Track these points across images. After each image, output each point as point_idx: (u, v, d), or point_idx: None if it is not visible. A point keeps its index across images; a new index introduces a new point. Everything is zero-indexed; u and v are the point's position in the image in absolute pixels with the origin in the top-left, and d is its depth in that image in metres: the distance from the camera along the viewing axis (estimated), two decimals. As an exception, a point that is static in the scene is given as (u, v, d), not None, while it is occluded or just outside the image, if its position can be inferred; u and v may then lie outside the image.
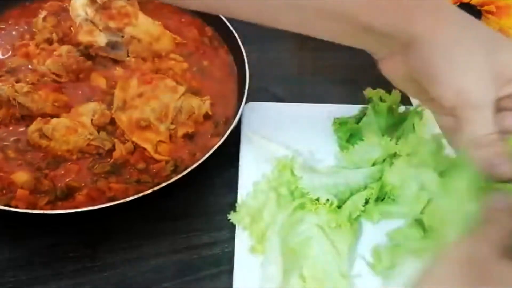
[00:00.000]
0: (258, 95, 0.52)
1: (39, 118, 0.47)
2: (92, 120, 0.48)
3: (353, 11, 0.33)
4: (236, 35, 0.53)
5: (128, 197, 0.41)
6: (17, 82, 0.49)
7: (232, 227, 0.43)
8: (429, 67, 0.33)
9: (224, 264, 0.41)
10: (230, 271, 0.40)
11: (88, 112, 0.48)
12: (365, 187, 0.42)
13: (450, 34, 0.33)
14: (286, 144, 0.47)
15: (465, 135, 0.32)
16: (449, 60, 0.33)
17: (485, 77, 0.32)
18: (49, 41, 0.54)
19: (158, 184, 0.42)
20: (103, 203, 0.41)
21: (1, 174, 0.45)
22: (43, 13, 0.56)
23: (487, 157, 0.31)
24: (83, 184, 0.45)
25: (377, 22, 0.33)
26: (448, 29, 0.33)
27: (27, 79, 0.50)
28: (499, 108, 0.32)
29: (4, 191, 0.44)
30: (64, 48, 0.52)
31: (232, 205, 0.44)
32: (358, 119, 0.48)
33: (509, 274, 0.25)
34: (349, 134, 0.48)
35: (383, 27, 0.33)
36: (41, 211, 0.41)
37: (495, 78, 0.32)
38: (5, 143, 0.47)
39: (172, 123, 0.49)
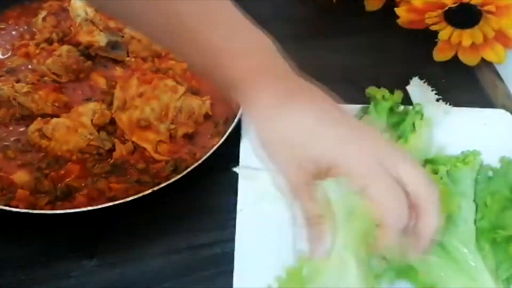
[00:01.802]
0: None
1: (39, 118, 0.47)
2: (92, 120, 0.48)
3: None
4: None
5: (128, 197, 0.41)
6: (17, 82, 0.49)
7: (232, 227, 0.43)
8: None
9: (224, 264, 0.41)
10: (230, 271, 0.40)
11: (88, 112, 0.48)
12: None
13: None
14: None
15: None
16: (270, 145, 0.33)
17: (297, 168, 0.32)
18: (49, 41, 0.54)
19: (158, 184, 0.42)
20: (103, 203, 0.41)
21: (1, 174, 0.45)
22: (43, 13, 0.56)
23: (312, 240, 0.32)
24: (83, 184, 0.45)
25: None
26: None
27: (27, 79, 0.50)
28: None
29: (4, 191, 0.44)
30: (64, 48, 0.52)
31: (232, 205, 0.44)
32: (359, 118, 0.49)
33: None
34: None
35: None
36: (41, 211, 0.41)
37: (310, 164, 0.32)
38: (5, 143, 0.47)
39: (172, 123, 0.49)
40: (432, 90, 0.52)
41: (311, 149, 0.32)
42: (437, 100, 0.51)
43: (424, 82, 0.53)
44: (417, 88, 0.52)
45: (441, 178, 0.40)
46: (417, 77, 0.53)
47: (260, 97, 0.33)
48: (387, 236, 0.31)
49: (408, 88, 0.52)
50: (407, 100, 0.52)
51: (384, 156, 0.31)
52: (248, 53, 0.33)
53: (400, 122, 0.48)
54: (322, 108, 0.33)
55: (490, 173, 0.43)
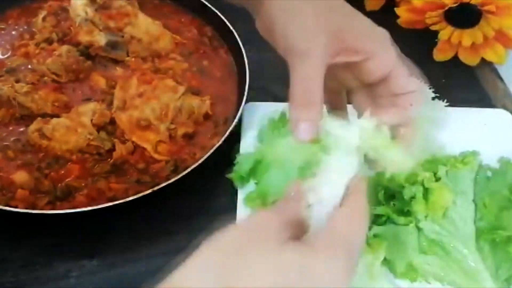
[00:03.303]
0: (258, 95, 0.52)
1: (39, 118, 0.47)
2: (92, 120, 0.47)
3: None
4: (236, 35, 0.53)
5: (128, 197, 0.41)
6: (17, 82, 0.49)
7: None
8: (269, 19, 0.33)
9: (224, 264, 0.41)
10: (230, 271, 0.40)
11: (88, 112, 0.48)
12: None
13: None
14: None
15: (292, 85, 0.32)
16: (283, 11, 0.32)
17: (312, 28, 0.31)
18: (49, 41, 0.53)
19: (158, 184, 0.42)
20: (103, 203, 0.41)
21: (1, 174, 0.45)
22: (43, 13, 0.56)
23: (293, 116, 0.31)
24: (83, 184, 0.45)
25: None
26: None
27: (27, 79, 0.50)
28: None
29: (4, 191, 0.44)
30: (64, 48, 0.52)
31: (232, 205, 0.44)
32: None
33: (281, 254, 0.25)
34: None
35: None
36: (41, 211, 0.41)
37: (326, 34, 0.31)
38: (5, 143, 0.47)
39: (172, 123, 0.49)
40: (430, 89, 0.52)
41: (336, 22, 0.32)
42: (433, 98, 0.51)
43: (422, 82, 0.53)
44: (416, 88, 0.52)
45: (441, 178, 0.40)
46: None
47: None
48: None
49: None
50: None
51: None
52: None
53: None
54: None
55: (489, 173, 0.43)
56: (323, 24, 0.32)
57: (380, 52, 0.33)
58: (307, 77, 0.31)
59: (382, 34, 0.34)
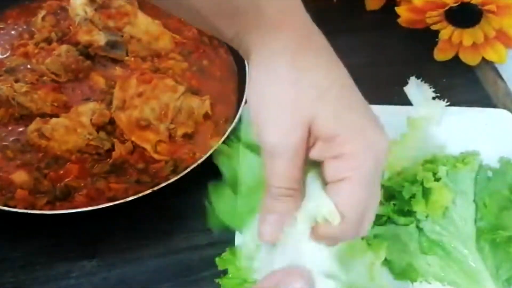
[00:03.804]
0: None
1: (38, 118, 0.47)
2: (91, 120, 0.47)
3: (203, 11, 0.29)
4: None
5: (128, 197, 0.41)
6: (16, 81, 0.49)
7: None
8: (249, 102, 0.30)
9: (224, 264, 0.41)
10: (230, 272, 0.40)
11: (87, 112, 0.48)
12: None
13: (263, 62, 0.28)
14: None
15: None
16: (257, 101, 0.29)
17: (285, 127, 0.28)
18: (48, 41, 0.53)
19: (158, 184, 0.42)
20: (103, 203, 0.41)
21: (0, 174, 0.45)
22: (42, 13, 0.56)
23: (265, 211, 0.29)
24: (82, 184, 0.45)
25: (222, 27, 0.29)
26: (264, 54, 0.28)
27: (26, 79, 0.50)
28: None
29: (3, 191, 0.44)
30: (63, 48, 0.52)
31: (232, 205, 0.44)
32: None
33: None
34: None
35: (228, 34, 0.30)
36: (41, 211, 0.41)
37: (302, 128, 0.28)
38: (4, 143, 0.47)
39: (171, 123, 0.49)
40: (431, 89, 0.52)
41: (314, 110, 0.28)
42: (433, 98, 0.51)
43: (422, 81, 0.53)
44: (415, 88, 0.52)
45: (441, 178, 0.40)
46: (414, 77, 0.53)
47: (276, 38, 0.28)
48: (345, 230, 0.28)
49: (406, 89, 0.52)
50: (405, 100, 0.52)
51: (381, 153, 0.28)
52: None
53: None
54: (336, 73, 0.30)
55: (490, 173, 0.43)
56: (301, 115, 0.28)
57: (352, 157, 0.28)
58: (276, 181, 0.29)
59: (375, 141, 0.28)
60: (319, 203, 0.29)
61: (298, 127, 0.28)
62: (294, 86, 0.28)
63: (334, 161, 0.28)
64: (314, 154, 0.29)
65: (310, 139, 0.29)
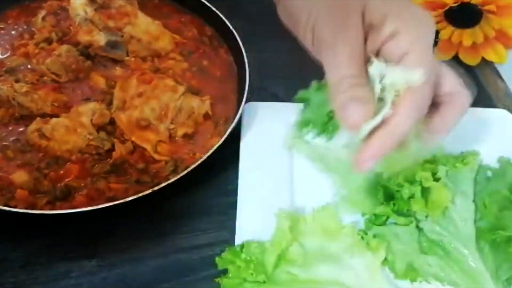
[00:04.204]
0: (258, 95, 0.52)
1: (38, 118, 0.47)
2: (91, 120, 0.47)
3: None
4: (236, 35, 0.53)
5: (128, 197, 0.41)
6: (16, 81, 0.49)
7: (232, 227, 0.43)
8: (291, 8, 0.32)
9: (224, 264, 0.41)
10: (230, 271, 0.40)
11: (88, 112, 0.48)
12: None
13: None
14: (286, 144, 0.47)
15: (326, 80, 0.30)
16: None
17: (338, 16, 0.30)
18: (49, 41, 0.53)
19: (158, 184, 0.42)
20: (103, 203, 0.41)
21: (1, 174, 0.45)
22: (42, 13, 0.56)
23: (340, 101, 0.29)
24: (82, 184, 0.45)
25: None
26: None
27: (26, 79, 0.50)
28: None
29: (3, 191, 0.44)
30: (64, 48, 0.52)
31: (232, 205, 0.44)
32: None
33: None
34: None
35: None
36: (41, 211, 0.41)
37: (355, 19, 0.30)
38: (5, 143, 0.47)
39: (172, 123, 0.49)
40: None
41: None
42: None
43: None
44: None
45: (440, 178, 0.40)
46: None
47: None
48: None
49: None
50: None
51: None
52: None
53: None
54: None
55: (490, 173, 0.43)
56: (350, 7, 0.29)
57: (407, 31, 0.30)
58: (337, 70, 0.30)
59: (421, 16, 0.31)
60: (396, 74, 0.29)
61: (351, 16, 0.30)
62: None
63: (392, 41, 0.30)
64: (370, 45, 0.30)
65: (364, 30, 0.30)
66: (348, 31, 0.30)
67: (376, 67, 0.30)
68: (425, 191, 0.39)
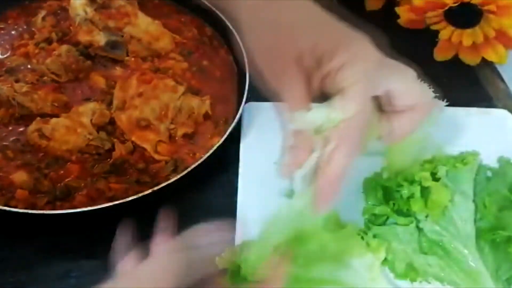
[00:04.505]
0: (258, 95, 0.52)
1: (38, 118, 0.47)
2: (91, 120, 0.47)
3: None
4: (236, 35, 0.53)
5: (128, 197, 0.41)
6: (16, 81, 0.49)
7: (232, 227, 0.43)
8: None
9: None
10: (230, 272, 0.40)
11: (88, 112, 0.48)
12: None
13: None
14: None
15: None
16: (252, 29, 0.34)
17: (274, 68, 0.33)
18: (49, 41, 0.53)
19: (158, 184, 0.42)
20: (103, 203, 0.41)
21: (1, 174, 0.45)
22: (42, 13, 0.56)
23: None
24: (82, 184, 0.45)
25: None
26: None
27: (26, 79, 0.50)
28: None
29: (3, 191, 0.44)
30: (64, 48, 0.52)
31: (232, 205, 0.44)
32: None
33: None
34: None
35: None
36: (41, 211, 0.41)
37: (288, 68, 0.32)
38: (5, 143, 0.47)
39: (172, 123, 0.49)
40: (430, 89, 0.52)
41: (310, 34, 0.33)
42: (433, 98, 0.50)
43: (422, 81, 0.52)
44: None
45: (440, 178, 0.40)
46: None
47: None
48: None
49: None
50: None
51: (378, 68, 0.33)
52: None
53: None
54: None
55: (489, 173, 0.43)
56: (286, 58, 0.32)
57: (354, 61, 0.32)
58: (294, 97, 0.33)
59: (359, 42, 0.34)
60: (327, 111, 0.32)
61: (287, 66, 0.32)
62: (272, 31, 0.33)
63: (338, 74, 0.32)
64: (318, 77, 0.33)
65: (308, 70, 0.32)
66: (285, 83, 0.33)
67: (312, 113, 0.33)
68: (424, 191, 0.39)
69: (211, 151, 0.44)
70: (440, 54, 0.58)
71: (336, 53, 0.32)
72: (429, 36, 0.57)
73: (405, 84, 0.35)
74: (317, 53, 0.32)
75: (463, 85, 0.57)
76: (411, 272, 0.39)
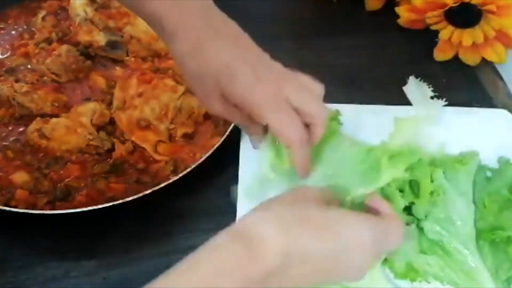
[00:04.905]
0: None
1: (38, 118, 0.47)
2: (91, 120, 0.47)
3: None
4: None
5: (128, 197, 0.41)
6: (16, 81, 0.49)
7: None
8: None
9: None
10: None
11: (88, 112, 0.48)
12: None
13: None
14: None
15: None
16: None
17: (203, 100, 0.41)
18: (49, 41, 0.53)
19: (158, 184, 0.42)
20: (103, 203, 0.41)
21: (1, 174, 0.45)
22: (42, 13, 0.56)
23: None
24: (82, 184, 0.45)
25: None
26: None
27: (27, 79, 0.50)
28: None
29: (3, 191, 0.44)
30: (64, 48, 0.52)
31: (232, 205, 0.44)
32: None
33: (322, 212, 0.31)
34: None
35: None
36: (41, 211, 0.41)
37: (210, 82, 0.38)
38: (5, 143, 0.47)
39: (171, 123, 0.49)
40: (430, 88, 0.52)
41: (227, 84, 0.37)
42: (432, 97, 0.50)
43: (421, 81, 0.52)
44: (414, 87, 0.52)
45: (440, 178, 0.40)
46: (413, 76, 0.53)
47: (184, 31, 0.37)
48: (297, 151, 0.38)
49: (405, 88, 0.52)
50: (404, 99, 0.52)
51: (290, 92, 0.37)
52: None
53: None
54: (241, 46, 0.38)
55: (489, 174, 0.43)
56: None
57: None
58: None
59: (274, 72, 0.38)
60: None
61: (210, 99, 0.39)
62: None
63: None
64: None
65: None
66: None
67: None
68: (412, 184, 0.39)
69: (211, 151, 0.44)
70: (440, 54, 0.58)
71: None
72: (429, 36, 0.57)
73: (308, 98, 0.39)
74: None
75: (463, 85, 0.57)
76: (411, 272, 0.39)
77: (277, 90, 0.37)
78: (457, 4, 0.53)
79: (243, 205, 0.44)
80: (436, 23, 0.56)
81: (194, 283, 0.27)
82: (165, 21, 0.37)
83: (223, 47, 0.37)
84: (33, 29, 0.55)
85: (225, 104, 0.39)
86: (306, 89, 0.38)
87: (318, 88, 0.39)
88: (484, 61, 0.57)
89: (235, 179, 0.46)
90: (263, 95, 0.36)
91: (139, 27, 0.54)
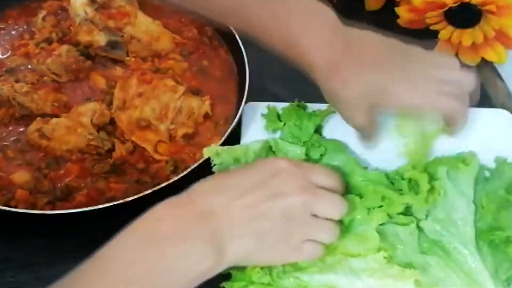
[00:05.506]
0: (258, 95, 0.52)
1: (38, 118, 0.47)
2: (91, 120, 0.48)
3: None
4: (236, 35, 0.53)
5: (128, 197, 0.41)
6: (16, 82, 0.49)
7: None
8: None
9: (224, 264, 0.41)
10: (229, 272, 0.40)
11: (88, 112, 0.48)
12: None
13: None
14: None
15: None
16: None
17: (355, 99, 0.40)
18: (49, 41, 0.53)
19: (158, 184, 0.42)
20: (103, 203, 0.41)
21: (1, 174, 0.45)
22: (42, 13, 0.56)
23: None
24: (83, 184, 0.45)
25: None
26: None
27: (27, 79, 0.50)
28: None
29: (3, 191, 0.44)
30: (64, 48, 0.52)
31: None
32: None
33: None
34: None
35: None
36: (41, 211, 0.41)
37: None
38: (5, 143, 0.47)
39: (172, 123, 0.49)
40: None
41: (383, 100, 0.39)
42: None
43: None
44: None
45: (440, 179, 0.40)
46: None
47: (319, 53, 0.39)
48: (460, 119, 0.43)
49: None
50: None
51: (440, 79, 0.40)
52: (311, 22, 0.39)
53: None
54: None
55: (487, 174, 0.43)
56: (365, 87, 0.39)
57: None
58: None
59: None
60: None
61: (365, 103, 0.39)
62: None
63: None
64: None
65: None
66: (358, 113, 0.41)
67: None
68: (411, 183, 0.40)
69: (211, 151, 0.44)
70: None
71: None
72: (429, 36, 0.57)
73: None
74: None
75: (463, 85, 0.57)
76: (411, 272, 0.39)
77: (428, 85, 0.39)
78: (457, 4, 0.53)
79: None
80: (436, 23, 0.56)
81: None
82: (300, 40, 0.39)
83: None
84: (33, 29, 0.55)
85: (369, 115, 0.40)
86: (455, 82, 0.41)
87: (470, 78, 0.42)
88: (483, 61, 0.57)
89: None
90: (420, 97, 0.39)
91: (139, 27, 0.54)
